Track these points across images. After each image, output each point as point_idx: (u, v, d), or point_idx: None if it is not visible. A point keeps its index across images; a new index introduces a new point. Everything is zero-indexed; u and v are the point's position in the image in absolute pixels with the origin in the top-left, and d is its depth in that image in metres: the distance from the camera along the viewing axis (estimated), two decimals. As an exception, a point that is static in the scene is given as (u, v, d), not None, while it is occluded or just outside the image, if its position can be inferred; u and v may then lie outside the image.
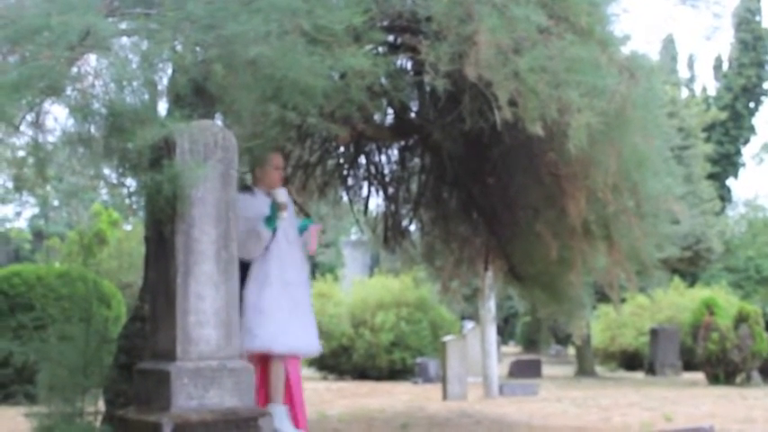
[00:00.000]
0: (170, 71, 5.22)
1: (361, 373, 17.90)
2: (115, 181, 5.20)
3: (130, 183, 5.11)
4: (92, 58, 4.95)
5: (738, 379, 15.79)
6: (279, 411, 6.06)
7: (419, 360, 16.83)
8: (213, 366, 4.77)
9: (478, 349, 14.25)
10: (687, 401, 11.52)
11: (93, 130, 4.93)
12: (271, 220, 6.05)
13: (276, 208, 6.06)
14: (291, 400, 6.23)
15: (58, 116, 5.03)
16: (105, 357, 5.74)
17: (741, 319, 16.24)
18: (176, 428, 4.49)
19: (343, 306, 18.80)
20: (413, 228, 8.67)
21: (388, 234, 8.22)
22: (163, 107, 5.29)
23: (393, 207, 8.23)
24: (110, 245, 18.34)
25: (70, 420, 5.32)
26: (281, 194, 6.11)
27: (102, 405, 5.75)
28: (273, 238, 6.09)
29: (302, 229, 6.40)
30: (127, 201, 5.35)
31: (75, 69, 4.87)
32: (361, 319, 18.31)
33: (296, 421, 6.20)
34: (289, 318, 6.05)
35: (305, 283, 6.43)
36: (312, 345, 6.33)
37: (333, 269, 32.42)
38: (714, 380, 16.03)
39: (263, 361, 5.98)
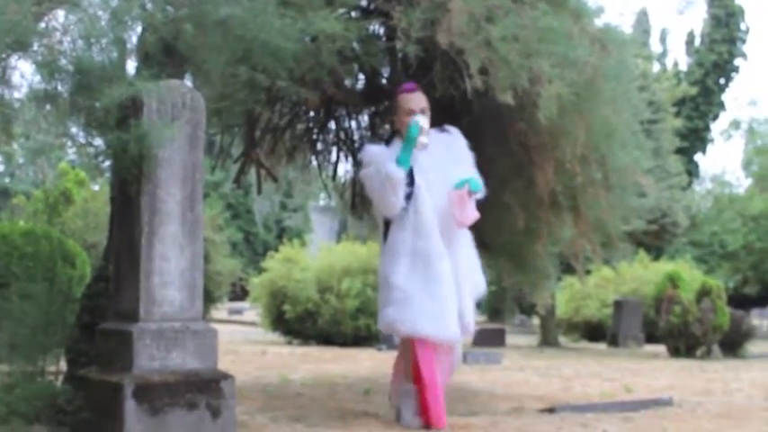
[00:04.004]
0: (139, 29, 5.16)
1: (326, 339, 17.92)
2: (82, 140, 5.15)
3: (97, 142, 5.07)
4: (60, 14, 4.89)
5: (699, 352, 15.96)
6: (403, 390, 5.85)
7: (384, 327, 16.86)
8: (176, 328, 4.75)
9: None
10: (648, 373, 11.64)
11: (59, 87, 4.88)
12: (405, 154, 5.50)
13: (414, 131, 5.50)
14: (436, 383, 5.66)
15: (24, 72, 4.96)
16: (68, 317, 5.71)
17: (704, 293, 16.39)
18: (137, 389, 4.48)
19: (310, 271, 18.79)
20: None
21: (356, 200, 8.21)
22: (131, 66, 5.23)
23: (362, 173, 8.20)
24: (76, 204, 18.22)
25: (31, 379, 5.30)
26: (421, 119, 5.58)
27: (63, 364, 5.73)
28: (413, 192, 5.52)
29: (458, 188, 5.57)
30: (94, 160, 5.29)
31: (42, 25, 4.81)
32: (327, 284, 18.31)
33: (426, 413, 5.66)
34: (421, 295, 5.51)
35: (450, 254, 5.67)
36: (446, 330, 5.57)
37: (300, 234, 32.42)
38: (675, 352, 16.20)
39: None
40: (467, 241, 5.90)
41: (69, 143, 5.25)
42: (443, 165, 5.69)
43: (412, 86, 5.81)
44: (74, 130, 5.11)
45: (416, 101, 5.75)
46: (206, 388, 4.73)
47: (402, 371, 5.93)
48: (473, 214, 5.55)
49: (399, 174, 5.48)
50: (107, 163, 5.24)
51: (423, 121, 5.58)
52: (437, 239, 5.54)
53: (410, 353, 5.80)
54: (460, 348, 6.05)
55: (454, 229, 5.64)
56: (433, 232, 5.53)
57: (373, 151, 5.82)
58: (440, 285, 5.49)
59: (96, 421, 4.67)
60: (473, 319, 5.82)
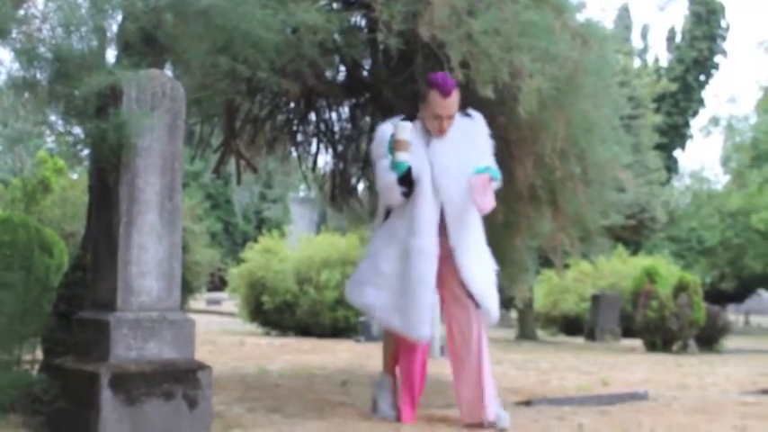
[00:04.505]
0: (119, 18, 5.13)
1: (305, 330, 17.94)
2: (61, 128, 5.13)
3: (76, 130, 5.04)
4: (39, 1, 4.86)
5: (675, 347, 16.08)
6: (380, 380, 5.91)
7: (362, 318, 16.88)
8: (153, 318, 4.74)
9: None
10: (624, 367, 11.70)
11: (38, 75, 4.85)
12: (398, 164, 5.31)
13: (391, 146, 5.33)
14: (411, 378, 5.66)
15: (3, 59, 4.94)
16: (45, 306, 5.69)
17: (681, 288, 16.50)
18: (114, 378, 4.47)
19: (289, 262, 18.79)
20: (361, 186, 8.65)
21: (335, 192, 8.20)
22: (111, 54, 5.21)
23: (342, 165, 8.20)
24: (54, 193, 18.10)
25: (7, 368, 5.28)
26: (404, 130, 5.32)
27: (39, 354, 5.71)
28: (418, 185, 5.34)
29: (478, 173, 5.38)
30: (72, 149, 5.27)
31: (21, 12, 4.77)
32: (306, 276, 18.32)
33: (406, 403, 5.66)
34: (399, 289, 5.42)
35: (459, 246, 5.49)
36: (414, 332, 5.44)
37: (280, 225, 32.39)
38: (651, 347, 16.30)
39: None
40: (480, 236, 5.71)
41: (48, 131, 5.21)
42: (460, 151, 5.48)
43: (449, 89, 5.40)
44: (52, 118, 5.08)
45: (447, 107, 5.42)
46: (183, 378, 4.71)
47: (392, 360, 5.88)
48: (491, 203, 5.41)
49: (391, 178, 5.35)
50: (86, 152, 5.21)
51: (401, 131, 5.34)
52: (428, 239, 5.40)
53: (389, 342, 5.81)
54: (486, 337, 5.75)
55: (466, 220, 5.50)
56: (426, 231, 5.37)
57: (382, 136, 5.52)
58: (418, 285, 5.39)
59: (72, 410, 4.65)
60: (496, 307, 5.62)
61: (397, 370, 5.84)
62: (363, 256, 5.86)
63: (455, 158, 5.45)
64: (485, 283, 5.58)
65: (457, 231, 5.49)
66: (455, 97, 5.45)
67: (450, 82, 5.42)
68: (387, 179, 5.37)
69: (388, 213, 5.66)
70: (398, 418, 5.67)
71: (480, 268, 5.59)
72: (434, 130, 5.49)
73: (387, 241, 5.54)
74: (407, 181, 5.38)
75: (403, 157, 5.29)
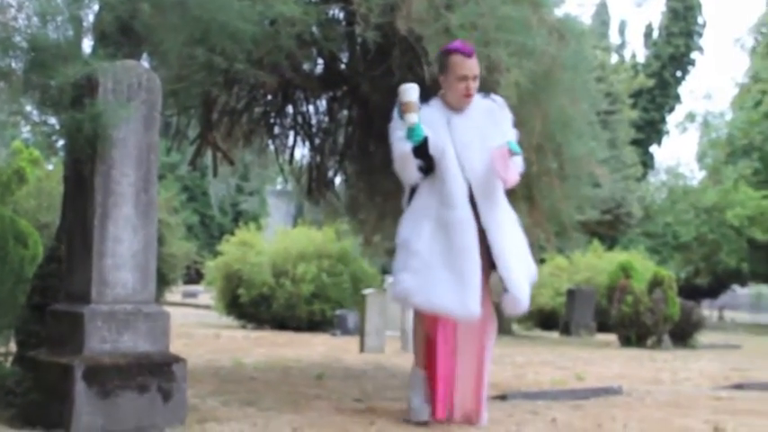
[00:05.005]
0: (96, 8, 5.10)
1: (281, 324, 17.93)
2: (36, 118, 5.09)
3: (52, 121, 5.01)
4: (14, -10, 4.83)
5: (649, 341, 16.15)
6: (412, 377, 5.36)
7: (339, 312, 16.90)
8: (128, 310, 4.72)
9: (397, 304, 14.32)
10: (599, 362, 11.75)
11: (14, 64, 4.82)
12: (410, 131, 4.98)
13: (399, 112, 5.04)
14: (436, 373, 5.19)
15: (-23, 48, 4.89)
16: (19, 297, 5.65)
17: (655, 283, 16.58)
18: (88, 371, 4.45)
19: (265, 255, 18.76)
20: (338, 180, 8.64)
21: (312, 185, 8.18)
22: (87, 45, 5.18)
23: (319, 158, 8.19)
24: (29, 183, 17.99)
25: (-20, 360, 5.25)
26: (409, 91, 5.04)
27: (13, 345, 5.67)
28: (439, 161, 5.03)
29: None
30: (48, 139, 5.23)
31: (-4, 0, 4.74)
32: (282, 269, 18.30)
33: (436, 405, 5.20)
34: (441, 265, 5.00)
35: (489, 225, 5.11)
36: (463, 308, 4.98)
37: (256, 218, 32.33)
38: (626, 342, 16.38)
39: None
40: (511, 217, 5.36)
41: (23, 121, 5.18)
42: (483, 128, 5.19)
43: (470, 50, 5.17)
44: (28, 108, 5.05)
45: (471, 67, 5.16)
46: (157, 371, 4.70)
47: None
48: (515, 175, 5.09)
49: (406, 148, 5.03)
50: (61, 142, 5.18)
51: (407, 93, 5.05)
52: (465, 209, 5.03)
53: (421, 331, 5.31)
54: (493, 333, 5.46)
55: (495, 198, 5.16)
56: (461, 202, 5.03)
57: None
58: (462, 258, 4.97)
59: (46, 403, 4.63)
60: (525, 295, 5.25)
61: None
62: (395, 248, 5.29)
63: (478, 135, 5.16)
64: (518, 266, 5.22)
65: (488, 210, 5.13)
66: (476, 59, 5.22)
67: (469, 44, 5.24)
68: (401, 150, 5.05)
69: (410, 196, 5.31)
70: (433, 414, 5.26)
71: (514, 250, 5.23)
72: (461, 94, 5.18)
73: (415, 223, 5.13)
74: (423, 153, 5.06)
75: (413, 118, 4.98)
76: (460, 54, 5.16)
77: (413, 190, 5.28)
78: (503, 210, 5.26)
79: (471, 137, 5.16)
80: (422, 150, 5.06)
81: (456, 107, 5.26)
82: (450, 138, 5.15)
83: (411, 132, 5.00)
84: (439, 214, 5.04)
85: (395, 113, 5.23)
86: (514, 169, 5.08)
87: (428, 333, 5.23)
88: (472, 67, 5.18)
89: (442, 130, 5.17)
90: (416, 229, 5.07)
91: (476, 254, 5.00)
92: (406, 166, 5.09)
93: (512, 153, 5.05)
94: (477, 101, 5.30)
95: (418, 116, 5.05)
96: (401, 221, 5.27)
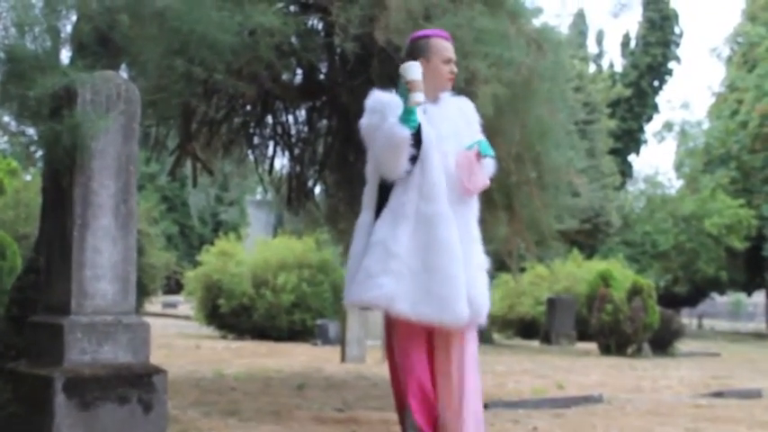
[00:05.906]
0: (74, 18, 5.09)
1: (261, 334, 17.87)
2: (14, 129, 5.08)
3: (30, 131, 5.00)
4: (-8, 1, 4.82)
5: (629, 350, 16.21)
6: (407, 419, 4.58)
7: (319, 322, 16.87)
8: (108, 321, 4.70)
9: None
10: (579, 370, 11.79)
11: (-9, 75, 4.80)
12: (408, 113, 4.47)
13: (404, 91, 4.48)
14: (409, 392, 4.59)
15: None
16: (-3, 309, 5.63)
17: (635, 291, 16.64)
18: (68, 383, 4.43)
19: (245, 265, 18.72)
20: (317, 190, 8.65)
21: (292, 195, 8.19)
22: (65, 55, 5.16)
23: (298, 168, 8.19)
24: (7, 194, 17.92)
25: (-42, 372, 5.21)
26: (413, 69, 4.50)
27: (-8, 357, 5.64)
28: (421, 152, 4.49)
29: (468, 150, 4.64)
30: (26, 150, 5.22)
31: (-27, 11, 4.73)
32: (262, 279, 18.25)
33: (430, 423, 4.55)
34: (422, 268, 4.52)
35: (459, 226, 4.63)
36: (450, 312, 4.49)
37: (236, 228, 32.25)
38: (606, 350, 16.43)
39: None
40: (476, 228, 4.88)
41: (1, 132, 5.16)
42: (457, 122, 4.82)
43: (448, 34, 4.91)
44: (6, 118, 5.03)
45: (452, 50, 4.85)
46: (138, 382, 4.69)
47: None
48: (483, 181, 4.71)
49: (404, 133, 4.49)
50: (39, 153, 5.17)
51: (411, 71, 4.53)
52: (444, 204, 4.61)
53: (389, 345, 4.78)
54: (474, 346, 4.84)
55: (464, 199, 4.72)
56: (441, 196, 4.61)
57: (383, 99, 4.74)
58: (444, 256, 4.56)
59: (25, 415, 4.61)
60: (486, 303, 4.76)
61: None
62: (355, 252, 4.85)
63: (453, 128, 4.78)
64: (478, 277, 4.74)
65: (457, 209, 4.69)
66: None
67: (440, 30, 5.00)
68: (400, 135, 4.48)
69: (381, 194, 4.76)
70: None
71: (475, 259, 4.76)
72: (446, 77, 4.80)
73: (393, 222, 4.64)
74: (416, 141, 4.56)
75: (420, 97, 4.49)
76: (441, 38, 4.88)
77: (383, 188, 4.78)
78: (472, 213, 4.82)
79: (447, 129, 4.77)
80: (416, 138, 4.58)
81: (432, 95, 4.82)
82: (428, 130, 4.69)
83: (408, 116, 4.52)
84: (419, 209, 4.60)
85: (371, 104, 4.76)
86: (483, 174, 4.73)
87: (401, 345, 4.69)
88: (452, 50, 4.89)
89: (423, 119, 4.69)
90: (395, 228, 4.59)
91: (458, 250, 4.61)
92: (401, 154, 4.52)
93: (481, 156, 4.71)
94: (449, 96, 4.95)
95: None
96: (379, 221, 4.70)
